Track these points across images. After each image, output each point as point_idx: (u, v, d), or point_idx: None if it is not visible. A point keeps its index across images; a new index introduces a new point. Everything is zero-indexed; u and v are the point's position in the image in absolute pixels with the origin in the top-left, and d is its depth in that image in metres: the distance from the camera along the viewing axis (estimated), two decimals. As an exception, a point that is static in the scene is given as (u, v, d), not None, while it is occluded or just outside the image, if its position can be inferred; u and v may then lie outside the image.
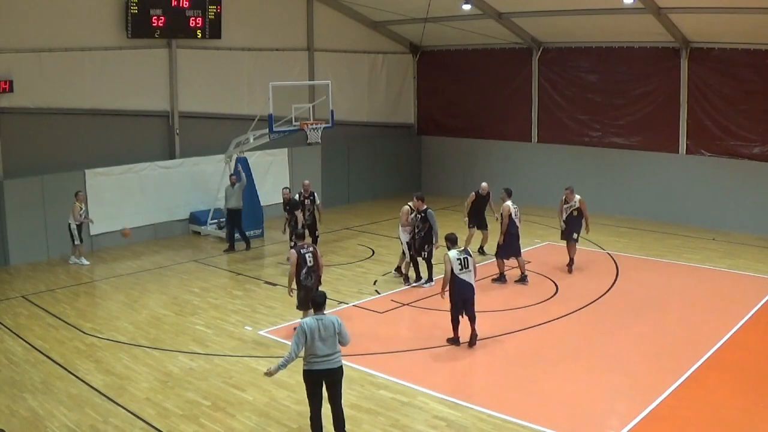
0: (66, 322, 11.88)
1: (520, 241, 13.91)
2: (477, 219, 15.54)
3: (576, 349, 10.53)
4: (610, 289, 13.37)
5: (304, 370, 7.47)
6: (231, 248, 16.51)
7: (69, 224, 15.33)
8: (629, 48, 19.41)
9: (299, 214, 14.65)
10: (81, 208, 15.31)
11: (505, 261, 13.79)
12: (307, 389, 7.55)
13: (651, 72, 19.10)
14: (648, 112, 19.32)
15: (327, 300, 7.82)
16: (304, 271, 10.42)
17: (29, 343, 10.91)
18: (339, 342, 7.50)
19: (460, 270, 10.41)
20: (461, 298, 10.44)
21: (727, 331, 11.03)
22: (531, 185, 21.67)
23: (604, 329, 11.31)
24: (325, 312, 7.59)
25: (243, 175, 16.83)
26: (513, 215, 13.59)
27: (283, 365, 7.46)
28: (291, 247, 12.70)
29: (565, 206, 14.51)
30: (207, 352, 10.50)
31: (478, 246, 15.73)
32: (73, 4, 16.24)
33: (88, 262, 15.48)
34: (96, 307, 12.91)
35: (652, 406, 8.57)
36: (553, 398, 8.95)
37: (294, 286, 10.52)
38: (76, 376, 9.65)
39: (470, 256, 10.64)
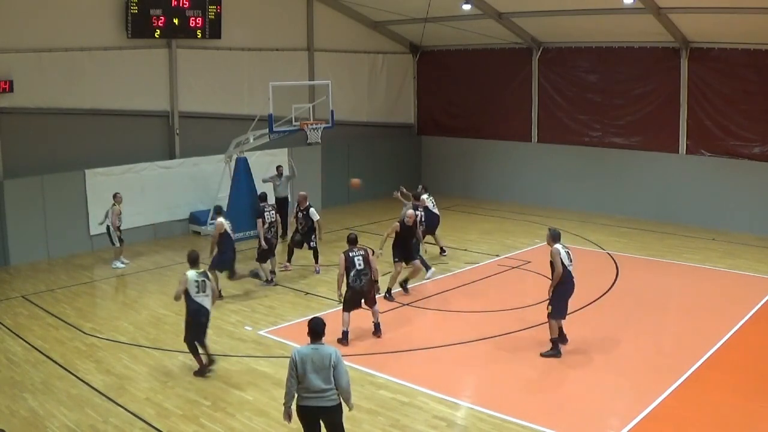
0: (66, 322, 11.87)
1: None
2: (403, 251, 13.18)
3: (576, 349, 10.51)
4: (610, 289, 13.36)
5: (296, 406, 6.70)
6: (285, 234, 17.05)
7: (108, 227, 15.07)
8: (629, 48, 19.41)
9: (260, 222, 13.71)
10: (121, 211, 14.98)
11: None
12: (303, 428, 6.83)
13: (651, 72, 19.10)
14: (648, 112, 19.32)
15: (325, 326, 6.81)
16: (352, 273, 10.68)
17: (29, 343, 10.90)
18: (334, 379, 6.60)
19: (196, 293, 9.62)
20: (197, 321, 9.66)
21: (727, 331, 11.02)
22: (531, 185, 21.73)
23: (603, 329, 11.30)
24: (323, 342, 6.74)
25: (295, 170, 17.57)
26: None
27: (288, 401, 6.72)
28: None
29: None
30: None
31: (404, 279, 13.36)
32: (73, 4, 16.24)
33: (123, 265, 15.25)
34: (96, 307, 12.91)
35: (652, 406, 8.57)
36: (553, 398, 8.96)
37: (343, 289, 10.77)
38: (76, 376, 9.65)
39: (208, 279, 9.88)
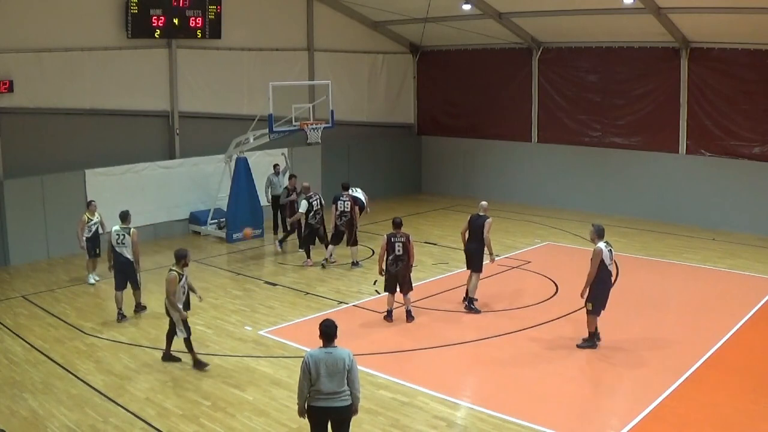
0: (66, 322, 11.87)
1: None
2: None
3: (576, 349, 10.51)
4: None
5: (307, 406, 6.75)
6: (287, 232, 17.61)
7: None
8: (629, 48, 19.40)
9: (333, 207, 15.25)
10: (89, 220, 13.65)
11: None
12: (310, 427, 6.89)
13: (651, 72, 19.09)
14: (648, 112, 19.32)
15: (337, 328, 6.77)
16: (390, 257, 11.48)
17: (29, 343, 10.90)
18: (348, 381, 6.67)
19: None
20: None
21: (727, 331, 11.03)
22: (531, 185, 21.71)
23: (603, 329, 11.27)
24: (335, 344, 6.73)
25: (288, 164, 18.43)
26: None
27: (301, 402, 6.77)
28: None
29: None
30: (207, 352, 10.48)
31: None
32: (73, 4, 16.24)
33: (93, 281, 14.15)
34: (96, 307, 12.89)
35: (652, 406, 8.58)
36: (553, 398, 8.95)
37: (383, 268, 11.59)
38: (76, 376, 9.65)
39: None
